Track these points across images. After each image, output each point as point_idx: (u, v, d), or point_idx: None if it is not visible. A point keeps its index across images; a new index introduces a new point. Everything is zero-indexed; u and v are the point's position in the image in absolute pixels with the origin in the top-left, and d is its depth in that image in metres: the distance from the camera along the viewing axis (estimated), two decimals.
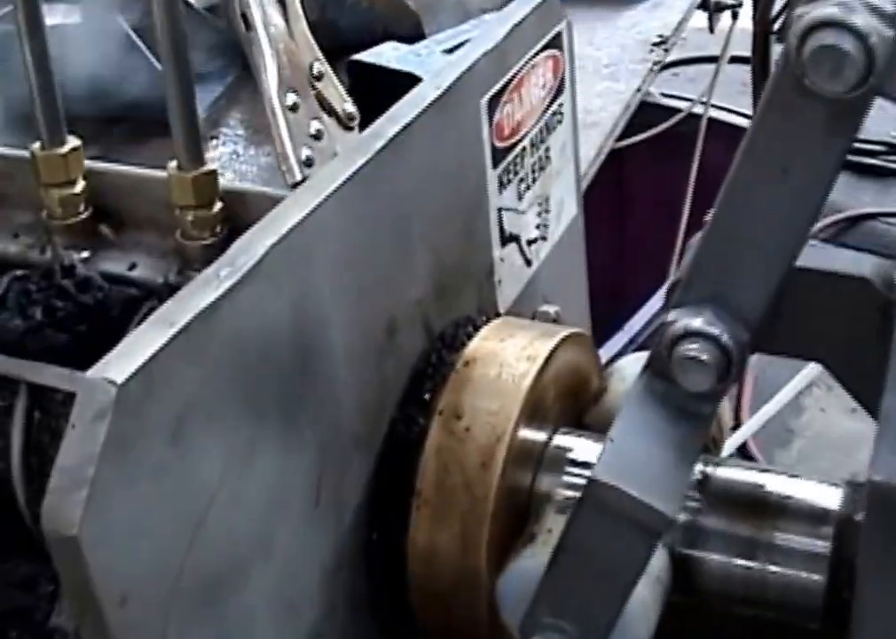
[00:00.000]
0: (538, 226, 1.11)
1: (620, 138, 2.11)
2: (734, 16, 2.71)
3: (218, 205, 0.97)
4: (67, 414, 0.63)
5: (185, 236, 0.97)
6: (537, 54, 1.05)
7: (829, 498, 0.83)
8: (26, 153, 1.03)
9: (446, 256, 0.94)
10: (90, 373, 0.63)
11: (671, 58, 2.57)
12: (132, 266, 1.00)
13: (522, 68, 1.03)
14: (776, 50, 2.61)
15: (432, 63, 1.80)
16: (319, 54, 1.69)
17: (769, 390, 2.25)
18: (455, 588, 0.86)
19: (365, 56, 1.88)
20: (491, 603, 0.84)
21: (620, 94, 2.10)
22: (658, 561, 0.81)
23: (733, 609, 0.85)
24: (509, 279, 1.06)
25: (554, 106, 1.11)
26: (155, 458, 0.65)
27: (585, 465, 0.86)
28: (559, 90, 1.11)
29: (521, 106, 1.03)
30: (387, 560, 0.86)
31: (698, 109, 2.76)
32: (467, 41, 1.43)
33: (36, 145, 1.02)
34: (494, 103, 0.99)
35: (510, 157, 1.03)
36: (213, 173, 0.96)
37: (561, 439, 0.90)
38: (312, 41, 1.69)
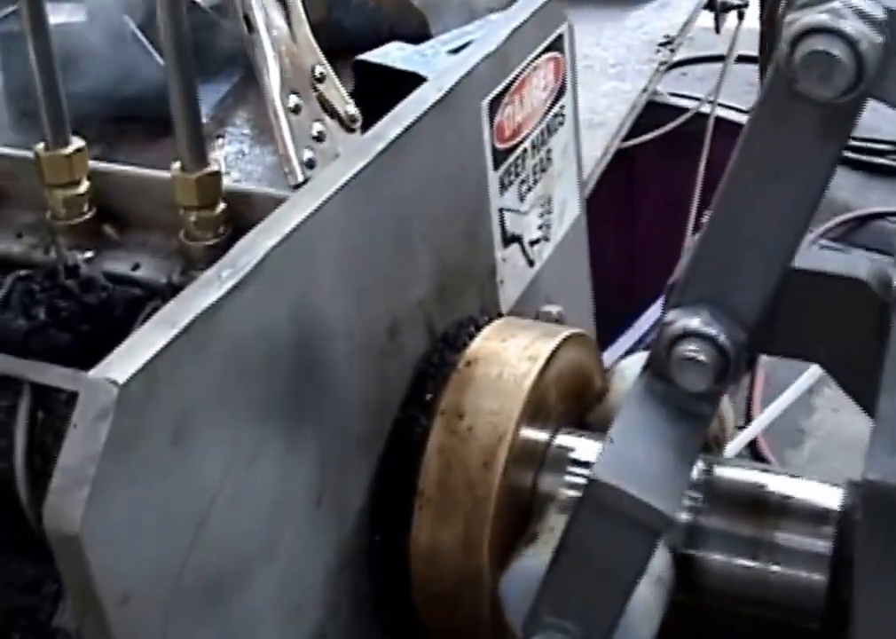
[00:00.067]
0: (540, 227, 1.11)
1: (628, 137, 2.11)
2: (741, 16, 2.70)
3: (221, 206, 0.97)
4: (71, 415, 0.63)
5: (189, 237, 0.97)
6: (538, 56, 1.06)
7: (830, 498, 0.83)
8: (30, 154, 1.03)
9: (448, 257, 0.94)
10: (91, 373, 0.63)
11: (679, 57, 2.56)
12: (136, 266, 1.00)
13: (523, 70, 1.03)
14: None
15: (437, 63, 1.80)
16: (321, 56, 1.69)
17: (781, 387, 2.24)
18: (458, 588, 0.86)
19: (370, 56, 1.88)
20: (493, 602, 0.84)
21: (626, 94, 2.09)
22: (660, 561, 0.81)
23: (734, 608, 0.85)
24: (512, 279, 1.06)
25: (556, 108, 1.11)
26: (157, 458, 0.65)
27: (587, 465, 0.86)
28: (560, 92, 1.11)
29: (522, 108, 1.03)
30: (389, 560, 0.86)
31: (706, 108, 2.75)
32: (472, 41, 1.43)
33: (40, 145, 1.02)
34: (495, 105, 0.99)
35: (511, 159, 1.03)
36: (216, 174, 0.96)
37: (563, 439, 0.91)
38: (314, 43, 1.69)
